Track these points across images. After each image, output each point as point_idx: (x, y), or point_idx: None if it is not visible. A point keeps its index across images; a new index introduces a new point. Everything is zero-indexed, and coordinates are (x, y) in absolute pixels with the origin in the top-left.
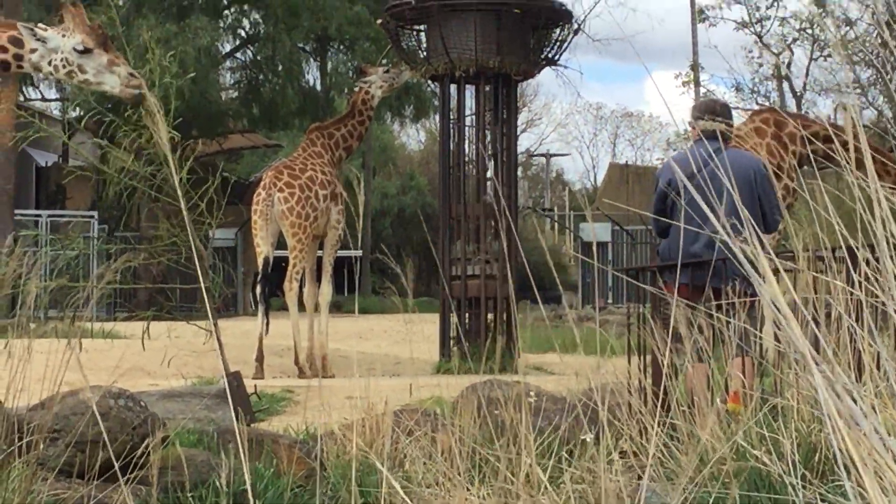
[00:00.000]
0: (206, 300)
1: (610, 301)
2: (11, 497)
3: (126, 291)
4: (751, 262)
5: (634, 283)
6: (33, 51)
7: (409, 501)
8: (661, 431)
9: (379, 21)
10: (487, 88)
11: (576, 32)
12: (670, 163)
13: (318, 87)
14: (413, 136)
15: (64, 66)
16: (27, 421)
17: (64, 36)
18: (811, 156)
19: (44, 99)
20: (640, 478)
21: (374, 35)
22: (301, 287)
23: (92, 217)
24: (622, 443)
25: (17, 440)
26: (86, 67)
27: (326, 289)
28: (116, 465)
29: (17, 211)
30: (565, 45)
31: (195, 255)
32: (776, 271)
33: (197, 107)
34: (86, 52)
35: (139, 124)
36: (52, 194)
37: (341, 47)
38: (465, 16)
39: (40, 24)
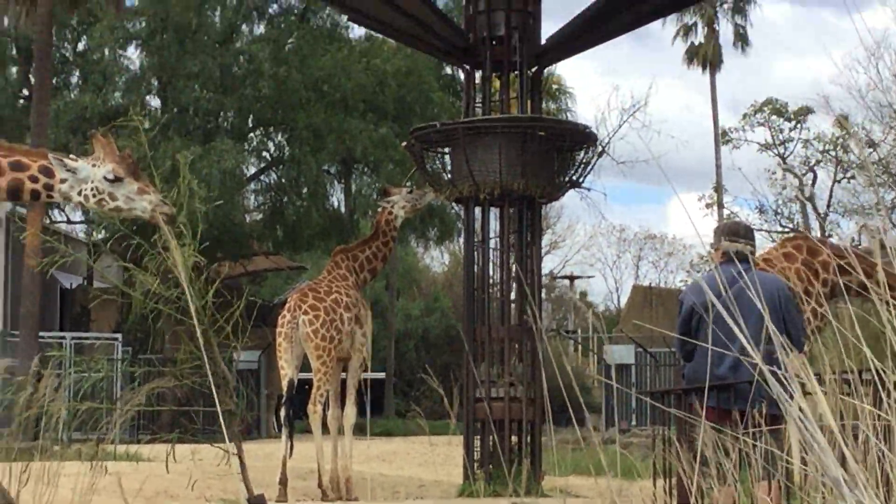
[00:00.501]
0: (228, 423)
1: (634, 423)
2: None
3: (149, 413)
4: (780, 383)
5: (659, 406)
6: (63, 181)
7: None
8: None
9: (404, 144)
10: (512, 211)
11: (600, 155)
12: (698, 283)
13: (343, 210)
14: (437, 259)
15: (94, 195)
16: None
17: (94, 165)
18: (843, 286)
19: (69, 221)
20: None
21: (398, 157)
22: (325, 409)
23: (116, 339)
24: None
25: None
26: (116, 195)
27: (351, 411)
28: None
29: (41, 333)
30: (589, 167)
31: (217, 379)
32: (806, 392)
33: (221, 229)
34: (116, 180)
35: (165, 247)
36: (77, 316)
37: (366, 169)
38: (490, 139)
39: (71, 155)
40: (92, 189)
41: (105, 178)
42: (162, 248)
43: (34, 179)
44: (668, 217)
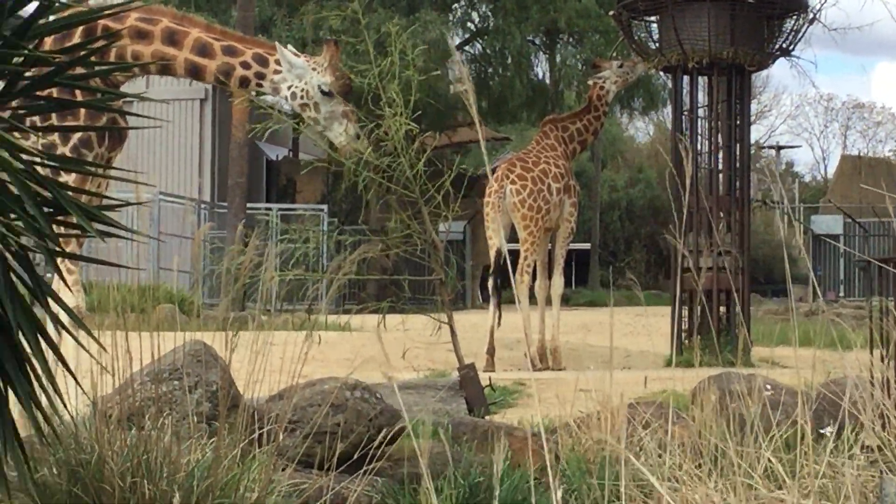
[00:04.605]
0: (440, 292)
1: (841, 294)
2: (252, 486)
3: (354, 283)
4: None
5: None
6: (277, 72)
7: (662, 491)
8: None
9: (611, 13)
10: (720, 80)
11: (811, 22)
12: None
13: (547, 80)
14: (641, 129)
15: (301, 98)
16: (266, 412)
17: (314, 69)
18: None
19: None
20: (883, 473)
21: (603, 28)
22: (532, 279)
23: (322, 210)
24: (864, 436)
25: (256, 430)
26: (321, 108)
27: (558, 281)
28: (354, 456)
29: (248, 204)
30: (800, 35)
31: (431, 248)
32: None
33: (425, 100)
34: (328, 94)
35: (377, 115)
36: (283, 188)
37: (570, 40)
38: (699, 6)
39: (290, 47)
40: (302, 90)
41: (320, 87)
42: (373, 116)
43: (246, 66)
44: (872, 87)
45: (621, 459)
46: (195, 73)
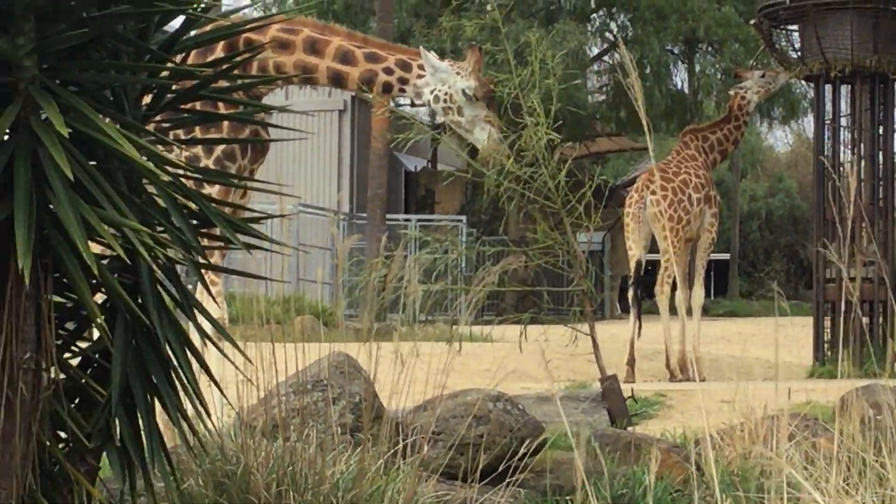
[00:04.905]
0: (582, 303)
1: None
2: (397, 498)
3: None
4: None
5: None
6: (420, 76)
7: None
8: None
9: (752, 21)
10: (863, 88)
11: None
12: None
13: (686, 90)
14: (781, 138)
15: (445, 101)
16: (409, 423)
17: (458, 73)
18: None
19: (413, 104)
20: None
21: (742, 36)
22: (672, 290)
23: (461, 221)
24: None
25: (399, 441)
26: (464, 112)
27: (699, 292)
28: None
29: (387, 215)
30: None
31: (571, 259)
32: None
33: (564, 110)
34: (471, 99)
35: (517, 125)
36: (422, 199)
37: (710, 49)
38: (841, 14)
39: (433, 53)
40: (445, 94)
41: (464, 91)
42: (514, 126)
43: (389, 72)
44: None
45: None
46: (337, 80)
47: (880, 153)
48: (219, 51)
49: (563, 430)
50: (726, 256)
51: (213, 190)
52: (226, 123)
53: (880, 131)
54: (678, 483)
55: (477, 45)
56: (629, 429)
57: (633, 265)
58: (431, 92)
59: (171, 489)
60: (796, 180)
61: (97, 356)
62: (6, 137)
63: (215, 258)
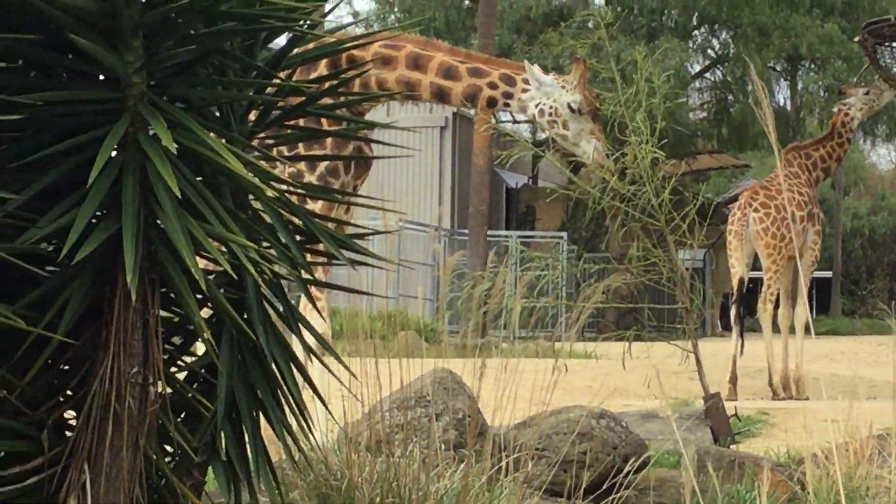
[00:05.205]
0: (686, 321)
1: None
2: None
3: (593, 310)
4: None
5: None
6: (525, 91)
7: None
8: None
9: (856, 38)
10: None
11: None
12: None
13: (788, 107)
14: (884, 156)
15: (550, 115)
16: (512, 439)
17: (563, 87)
18: None
19: (515, 121)
20: None
21: (845, 54)
22: (775, 308)
23: (561, 238)
24: None
25: (503, 458)
26: (570, 126)
27: (801, 310)
28: (603, 486)
29: (488, 231)
30: None
31: (674, 276)
32: None
33: (666, 127)
34: (577, 112)
35: (621, 143)
36: (522, 215)
37: (812, 66)
38: None
39: (537, 66)
40: (551, 108)
41: (570, 105)
42: (618, 144)
43: (493, 86)
44: None
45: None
46: (441, 96)
47: None
48: (322, 67)
49: (666, 447)
50: (829, 274)
51: (316, 206)
52: (329, 140)
53: None
54: (783, 502)
55: (581, 57)
56: (732, 447)
57: (735, 283)
58: (536, 106)
59: (277, 503)
60: None
61: (203, 371)
62: (114, 153)
63: (319, 273)
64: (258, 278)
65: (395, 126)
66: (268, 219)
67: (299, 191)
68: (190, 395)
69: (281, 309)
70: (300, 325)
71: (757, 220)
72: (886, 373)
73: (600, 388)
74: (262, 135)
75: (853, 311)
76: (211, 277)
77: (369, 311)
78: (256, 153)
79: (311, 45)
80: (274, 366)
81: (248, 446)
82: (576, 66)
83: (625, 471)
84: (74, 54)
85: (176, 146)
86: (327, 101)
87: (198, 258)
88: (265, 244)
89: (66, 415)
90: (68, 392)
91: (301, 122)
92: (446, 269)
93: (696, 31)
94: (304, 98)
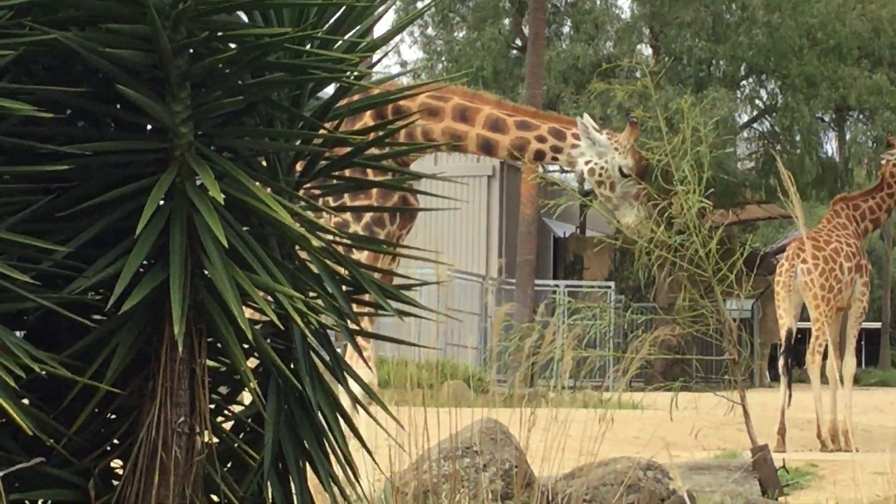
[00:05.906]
0: (733, 372)
1: None
2: None
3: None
4: None
5: None
6: (574, 146)
7: None
8: None
9: None
10: None
11: None
12: None
13: (836, 158)
14: None
15: (599, 175)
16: (559, 490)
17: (615, 149)
18: None
19: (562, 171)
20: None
21: (894, 104)
22: (823, 359)
23: (609, 287)
24: None
25: None
26: (616, 188)
27: (850, 361)
28: None
29: (536, 280)
30: None
31: (722, 327)
32: None
33: (714, 177)
34: (626, 176)
35: (667, 192)
36: (570, 264)
37: (861, 117)
38: None
39: (589, 119)
40: (601, 168)
41: (621, 169)
42: (665, 193)
43: (541, 140)
44: None
45: None
46: (487, 148)
47: None
48: (367, 118)
49: (714, 500)
50: (877, 325)
51: (361, 256)
52: (374, 190)
53: None
54: None
55: (635, 119)
56: (781, 499)
57: (783, 333)
58: (587, 163)
59: None
60: None
61: (250, 420)
62: (161, 203)
63: (364, 322)
64: (304, 328)
65: (441, 177)
66: (314, 269)
67: (345, 241)
68: (236, 444)
69: (327, 359)
70: (346, 375)
71: (805, 270)
72: None
73: (648, 440)
74: (308, 185)
75: None
76: (258, 327)
77: (416, 360)
78: (303, 203)
79: (356, 97)
80: (320, 415)
81: (294, 496)
82: (629, 128)
83: None
84: (122, 105)
85: (223, 196)
86: (373, 151)
87: (245, 308)
88: (311, 294)
89: (112, 464)
90: (115, 441)
91: (347, 172)
92: (496, 320)
93: (744, 82)
94: (350, 149)
